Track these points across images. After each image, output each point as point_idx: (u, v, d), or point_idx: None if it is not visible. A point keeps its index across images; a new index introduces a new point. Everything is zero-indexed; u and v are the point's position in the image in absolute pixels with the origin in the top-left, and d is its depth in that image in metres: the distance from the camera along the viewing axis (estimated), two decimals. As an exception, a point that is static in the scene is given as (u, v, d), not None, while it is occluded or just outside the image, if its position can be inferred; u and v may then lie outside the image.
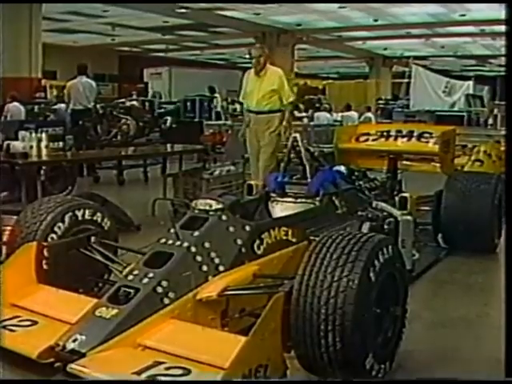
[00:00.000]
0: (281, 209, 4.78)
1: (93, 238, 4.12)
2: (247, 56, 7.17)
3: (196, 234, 3.60)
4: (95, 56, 26.74)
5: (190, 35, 26.86)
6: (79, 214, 4.17)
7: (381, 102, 26.65)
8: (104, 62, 29.38)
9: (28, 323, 3.27)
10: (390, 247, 3.25)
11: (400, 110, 23.13)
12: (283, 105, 7.35)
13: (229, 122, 15.41)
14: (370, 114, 19.22)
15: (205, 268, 3.47)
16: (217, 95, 18.68)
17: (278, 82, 7.30)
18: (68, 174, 8.59)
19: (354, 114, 18.52)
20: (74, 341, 2.99)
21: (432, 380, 2.93)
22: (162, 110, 17.03)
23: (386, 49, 31.01)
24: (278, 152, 7.33)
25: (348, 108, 18.82)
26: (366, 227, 4.66)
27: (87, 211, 4.23)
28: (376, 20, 22.25)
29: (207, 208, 3.76)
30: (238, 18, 21.67)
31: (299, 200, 4.80)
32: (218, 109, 18.13)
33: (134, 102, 15.20)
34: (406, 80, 24.03)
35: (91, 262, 4.05)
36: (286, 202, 4.83)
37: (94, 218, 4.27)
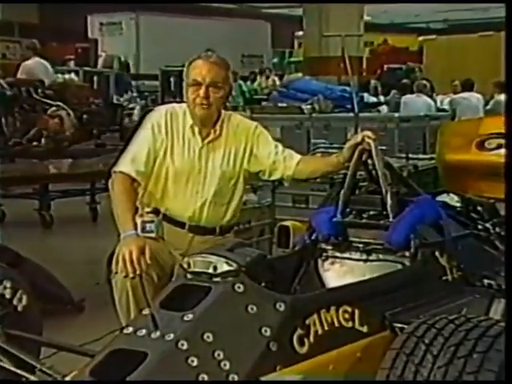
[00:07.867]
0: (340, 272, 4.85)
1: (-4, 327, 4.18)
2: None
3: (189, 317, 3.64)
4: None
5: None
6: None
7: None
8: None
9: None
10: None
11: None
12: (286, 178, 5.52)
13: (244, 114, 15.52)
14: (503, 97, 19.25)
15: (204, 377, 3.50)
16: None
17: (260, 148, 5.41)
18: None
19: (475, 96, 18.44)
20: None
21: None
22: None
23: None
24: None
25: (469, 87, 18.67)
26: (499, 308, 4.66)
27: (-15, 279, 4.32)
28: None
29: (209, 271, 3.82)
30: None
31: (373, 256, 4.86)
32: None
33: (73, 76, 15.37)
34: None
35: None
36: (350, 259, 4.89)
37: (-1, 291, 4.35)
